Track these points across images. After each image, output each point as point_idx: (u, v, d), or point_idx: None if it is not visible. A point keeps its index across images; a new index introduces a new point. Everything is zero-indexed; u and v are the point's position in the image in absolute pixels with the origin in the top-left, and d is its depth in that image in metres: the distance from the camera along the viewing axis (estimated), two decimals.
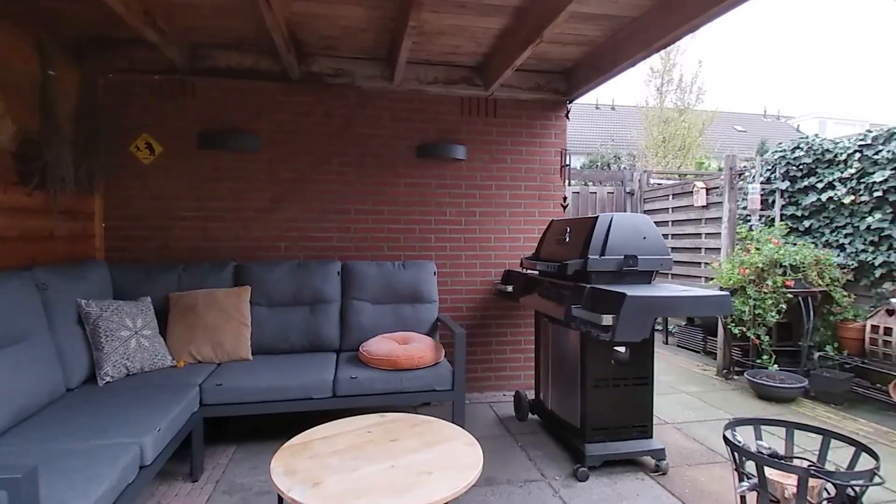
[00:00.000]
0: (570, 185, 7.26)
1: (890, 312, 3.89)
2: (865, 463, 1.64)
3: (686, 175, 8.97)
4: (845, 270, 4.38)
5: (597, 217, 2.90)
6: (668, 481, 2.78)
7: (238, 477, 2.77)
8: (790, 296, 4.35)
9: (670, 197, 6.75)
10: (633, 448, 2.87)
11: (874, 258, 4.19)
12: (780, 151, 5.16)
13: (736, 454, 1.79)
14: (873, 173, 4.17)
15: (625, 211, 7.28)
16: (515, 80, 3.94)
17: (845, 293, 4.31)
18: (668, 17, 2.81)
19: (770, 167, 5.23)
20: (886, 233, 4.09)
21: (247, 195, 3.73)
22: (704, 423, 3.66)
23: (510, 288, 3.68)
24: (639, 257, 2.82)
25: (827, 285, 4.33)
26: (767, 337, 4.46)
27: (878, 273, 4.17)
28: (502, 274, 3.99)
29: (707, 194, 6.08)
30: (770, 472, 1.72)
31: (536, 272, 3.43)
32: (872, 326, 4.02)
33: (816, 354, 4.36)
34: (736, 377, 4.77)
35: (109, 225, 3.57)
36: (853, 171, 4.35)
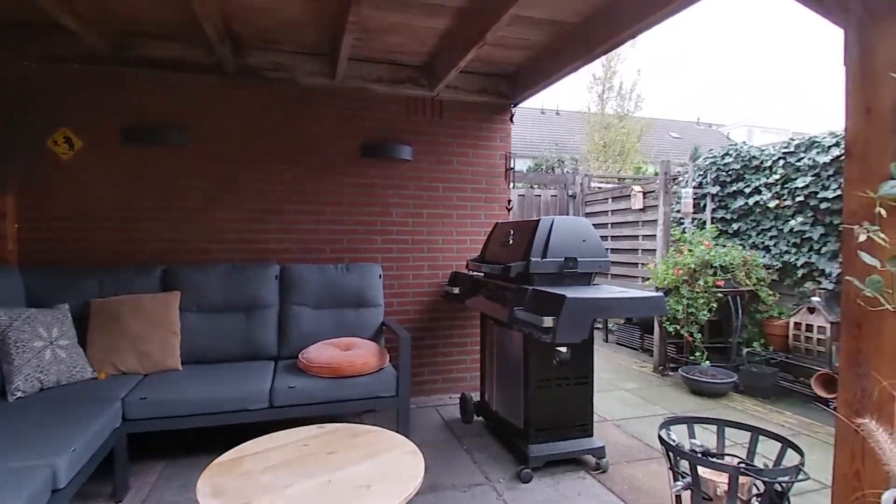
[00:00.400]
0: (514, 187, 7.37)
1: (811, 310, 4.18)
2: (791, 458, 1.73)
3: (624, 179, 9.33)
4: (770, 271, 4.67)
5: (539, 220, 2.93)
6: (608, 479, 2.84)
7: (167, 496, 2.58)
8: (720, 295, 4.59)
9: (609, 200, 6.99)
10: (575, 447, 2.92)
11: (796, 259, 4.50)
12: (711, 158, 5.44)
13: (671, 454, 1.83)
14: (796, 179, 4.47)
15: (567, 213, 7.46)
16: (461, 81, 3.93)
17: (770, 292, 4.60)
18: (609, 23, 2.87)
19: (702, 172, 5.51)
20: (807, 235, 4.39)
21: (176, 194, 3.50)
22: (643, 420, 3.79)
23: (457, 290, 3.67)
24: (578, 259, 2.87)
25: (754, 285, 4.60)
26: (700, 334, 4.69)
27: (800, 273, 4.48)
28: (449, 276, 3.96)
29: (644, 198, 6.34)
30: (703, 471, 1.77)
31: (482, 274, 3.43)
32: (795, 324, 4.31)
33: (745, 351, 4.63)
34: (671, 373, 4.98)
35: (23, 226, 3.25)
36: (777, 176, 4.65)
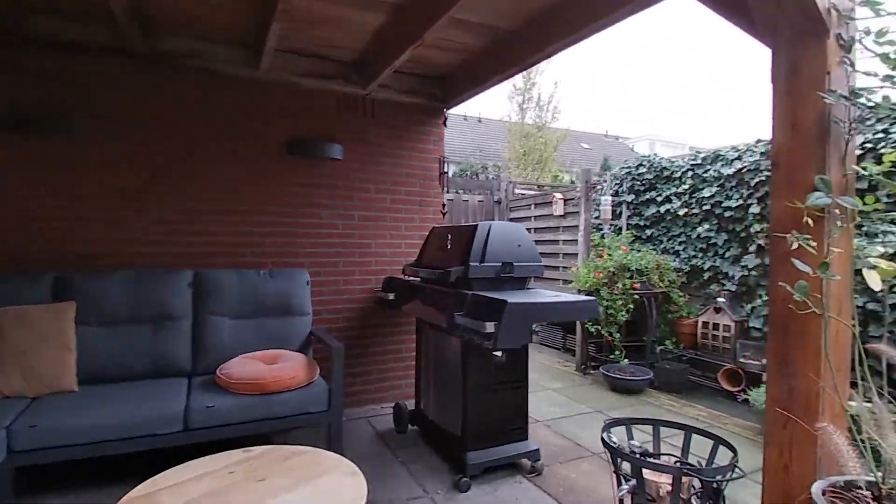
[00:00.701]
0: (447, 192, 7.37)
1: (717, 310, 4.55)
2: (723, 454, 1.82)
3: (544, 187, 9.70)
4: (680, 273, 5.04)
5: (476, 225, 2.91)
6: (544, 481, 2.86)
7: None
8: (636, 297, 4.87)
9: (532, 206, 7.20)
10: (512, 452, 2.91)
11: (703, 263, 4.88)
12: (627, 168, 5.78)
13: (615, 457, 1.86)
14: (703, 189, 4.86)
15: (493, 218, 7.59)
16: (394, 81, 3.83)
17: (681, 294, 4.95)
18: (542, 33, 2.92)
19: (618, 182, 5.83)
20: (713, 241, 4.78)
21: (73, 193, 3.05)
22: (570, 419, 3.89)
23: (392, 296, 3.54)
24: (515, 264, 2.88)
25: (666, 287, 4.93)
26: (618, 334, 4.95)
27: (706, 276, 4.86)
28: (383, 281, 3.82)
29: (564, 205, 6.61)
30: (645, 472, 1.82)
31: (418, 279, 3.34)
32: (703, 322, 4.67)
33: (658, 348, 4.94)
34: (592, 371, 5.20)
35: None
36: (686, 187, 5.03)
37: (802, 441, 1.55)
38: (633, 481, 1.70)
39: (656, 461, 1.82)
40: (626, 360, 4.83)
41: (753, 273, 4.41)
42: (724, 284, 4.71)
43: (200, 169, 3.37)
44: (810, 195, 1.46)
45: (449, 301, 2.77)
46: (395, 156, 4.03)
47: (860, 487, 1.50)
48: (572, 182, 10.53)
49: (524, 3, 2.80)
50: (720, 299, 4.56)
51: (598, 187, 5.95)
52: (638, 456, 1.83)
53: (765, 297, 4.30)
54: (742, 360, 4.28)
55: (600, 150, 22.79)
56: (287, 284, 3.34)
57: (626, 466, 1.88)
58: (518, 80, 14.76)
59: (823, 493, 1.45)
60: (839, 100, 1.48)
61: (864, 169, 1.58)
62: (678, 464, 1.88)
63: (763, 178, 4.31)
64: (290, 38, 3.24)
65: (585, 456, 3.21)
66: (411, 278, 3.47)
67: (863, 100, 1.41)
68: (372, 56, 3.46)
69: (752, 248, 4.43)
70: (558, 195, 6.48)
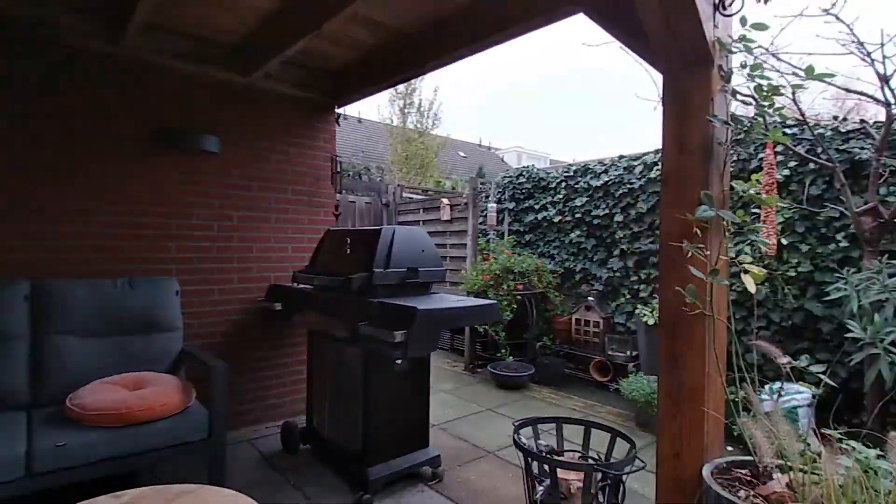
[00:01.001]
0: (352, 193, 7.09)
1: (587, 308, 4.99)
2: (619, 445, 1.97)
3: (428, 191, 9.85)
4: (556, 275, 5.43)
5: (380, 229, 2.80)
6: (446, 487, 2.85)
7: None
8: (519, 297, 5.14)
9: (421, 210, 7.25)
10: (414, 461, 2.85)
11: (575, 265, 5.32)
12: (508, 177, 6.10)
13: (528, 459, 1.90)
14: (575, 199, 5.30)
15: (382, 221, 7.49)
16: (283, 72, 3.55)
17: (557, 293, 5.34)
18: (447, 39, 2.92)
19: (500, 190, 6.13)
20: (583, 246, 5.24)
21: None
22: (464, 420, 3.96)
23: (279, 305, 3.26)
24: (419, 269, 2.83)
25: (544, 287, 5.29)
26: (504, 333, 5.18)
27: (577, 277, 5.31)
28: (268, 289, 3.51)
29: (451, 210, 6.76)
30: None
31: (311, 287, 3.12)
32: (576, 320, 5.09)
33: (537, 345, 5.27)
34: (479, 370, 5.37)
35: None
36: (561, 196, 5.44)
37: (691, 429, 1.73)
38: (549, 482, 1.76)
39: (572, 461, 1.91)
40: (511, 358, 5.07)
41: (617, 274, 4.93)
42: (592, 285, 5.19)
43: (44, 159, 2.77)
44: (699, 208, 1.64)
45: (351, 310, 2.62)
46: (281, 151, 3.73)
47: (740, 467, 1.72)
48: (454, 188, 10.84)
49: (430, 7, 2.77)
50: (590, 298, 5.01)
51: (484, 194, 6.19)
52: (547, 455, 1.89)
53: (627, 296, 4.84)
54: (610, 352, 4.75)
55: (475, 159, 23.84)
56: (152, 295, 2.89)
57: (535, 466, 1.94)
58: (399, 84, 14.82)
59: (711, 475, 1.64)
60: (722, 124, 1.68)
61: (733, 188, 1.83)
62: (583, 458, 1.99)
63: (625, 191, 4.85)
64: (163, 14, 2.81)
65: (482, 456, 3.28)
66: (303, 286, 3.23)
67: (741, 125, 1.63)
68: (260, 42, 3.15)
69: (616, 252, 4.95)
70: (445, 201, 6.60)
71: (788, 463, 1.59)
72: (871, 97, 2.67)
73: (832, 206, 3.41)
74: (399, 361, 2.67)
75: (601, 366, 4.81)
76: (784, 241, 3.57)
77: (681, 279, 1.71)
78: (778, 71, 1.93)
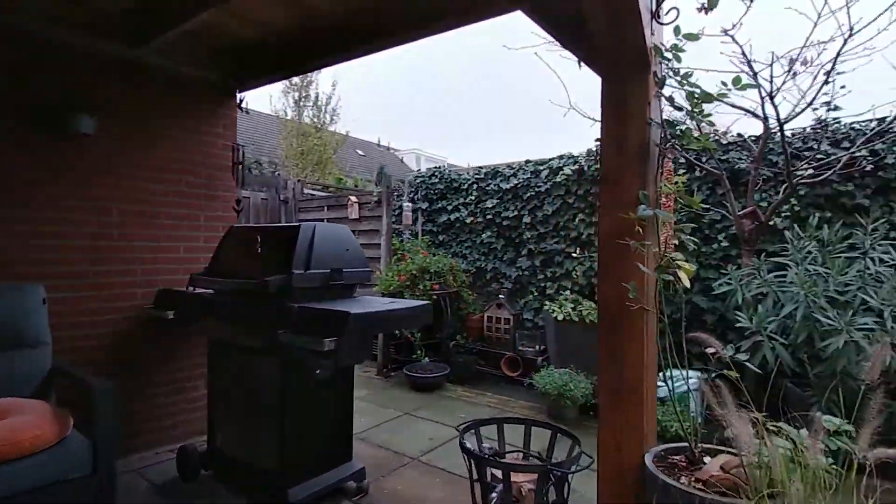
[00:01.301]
0: (243, 187, 6.45)
1: (498, 305, 5.09)
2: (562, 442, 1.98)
3: (330, 188, 9.45)
4: (468, 274, 5.48)
5: (298, 226, 2.56)
6: (373, 501, 2.70)
7: None
8: (435, 297, 5.10)
9: (325, 208, 6.92)
10: (338, 477, 2.66)
11: (486, 265, 5.42)
12: (421, 177, 6.05)
13: (479, 465, 1.84)
14: (486, 201, 5.39)
15: (280, 219, 7.01)
16: (180, 47, 3.10)
17: (470, 292, 5.39)
18: (375, 27, 2.75)
19: (413, 189, 6.05)
20: (494, 246, 5.36)
21: None
22: (382, 427, 3.81)
23: (171, 314, 2.85)
24: (344, 270, 2.65)
25: (458, 286, 5.30)
26: (419, 333, 5.10)
27: (488, 276, 5.42)
28: (156, 295, 3.05)
29: (360, 209, 6.55)
30: (495, 472, 1.84)
31: (213, 291, 2.77)
32: (487, 317, 5.17)
33: (451, 344, 5.27)
34: (394, 374, 5.24)
35: None
36: (473, 198, 5.51)
37: (633, 421, 1.79)
38: (501, 487, 1.71)
39: (523, 462, 1.88)
40: (426, 359, 5.00)
41: (526, 273, 5.10)
42: (502, 283, 5.33)
43: None
44: (640, 207, 1.70)
45: (267, 316, 2.36)
46: (172, 136, 3.28)
47: (674, 454, 1.81)
48: (356, 186, 10.52)
49: None
50: (500, 296, 5.13)
51: (397, 193, 6.06)
52: (489, 457, 1.85)
53: (535, 294, 5.03)
54: (520, 348, 4.90)
55: (375, 159, 23.51)
56: (11, 305, 2.36)
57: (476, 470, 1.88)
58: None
59: (652, 462, 1.70)
60: (658, 127, 1.76)
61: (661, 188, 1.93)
62: (525, 458, 1.97)
63: (532, 194, 5.04)
64: None
65: (406, 463, 3.17)
66: (203, 291, 2.86)
67: (677, 129, 1.71)
68: (151, 9, 2.72)
69: (525, 252, 5.12)
70: (354, 199, 6.36)
71: (720, 447, 1.71)
72: (752, 113, 3.02)
73: (715, 209, 3.83)
74: (318, 372, 2.47)
75: (512, 361, 4.94)
76: (676, 242, 3.94)
77: (621, 276, 1.76)
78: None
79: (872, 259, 2.93)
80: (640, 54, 1.72)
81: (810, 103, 2.90)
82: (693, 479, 1.62)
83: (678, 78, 1.75)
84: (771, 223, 3.40)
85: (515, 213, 5.17)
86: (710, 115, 1.72)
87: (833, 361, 2.70)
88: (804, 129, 3.66)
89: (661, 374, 4.19)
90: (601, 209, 1.88)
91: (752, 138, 3.66)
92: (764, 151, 3.20)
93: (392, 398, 4.53)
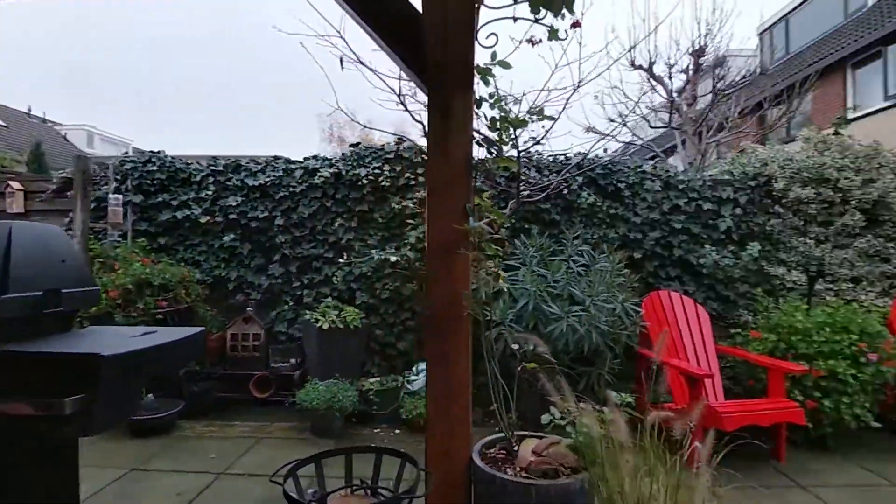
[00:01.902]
0: None
1: (246, 320, 4.50)
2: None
3: None
4: (204, 286, 4.65)
5: None
6: None
7: None
8: (160, 317, 4.14)
9: None
10: None
11: (228, 273, 4.71)
12: (132, 163, 4.81)
13: None
14: (227, 198, 4.68)
15: None
16: None
17: (208, 308, 4.58)
18: None
19: (119, 178, 4.76)
20: (238, 250, 4.70)
21: None
22: (104, 495, 2.88)
23: None
24: (63, 291, 1.85)
25: (192, 301, 4.44)
26: None
27: (231, 286, 4.72)
28: None
29: (26, 199, 4.83)
30: None
31: None
32: (232, 335, 4.50)
33: (182, 371, 4.38)
34: None
35: None
36: (210, 193, 4.71)
37: (460, 423, 1.84)
38: None
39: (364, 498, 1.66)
40: (150, 395, 4.00)
41: (279, 281, 4.68)
42: (249, 294, 4.75)
43: None
44: (471, 220, 1.76)
45: None
46: None
47: (490, 447, 1.94)
48: (4, 167, 7.61)
49: None
50: (249, 309, 4.56)
51: (95, 181, 4.64)
52: (325, 498, 1.60)
53: (290, 303, 4.66)
54: (273, 364, 4.47)
55: (24, 132, 17.78)
56: None
57: None
58: None
59: (480, 460, 1.79)
60: (478, 143, 1.86)
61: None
62: (369, 494, 1.77)
63: (286, 194, 4.67)
64: None
65: None
66: None
67: (493, 148, 1.84)
68: None
69: (277, 257, 4.70)
70: (16, 185, 4.60)
71: (526, 433, 1.93)
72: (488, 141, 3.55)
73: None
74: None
75: (262, 381, 4.43)
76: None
77: (451, 283, 1.79)
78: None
79: (574, 261, 3.85)
80: (468, 72, 1.79)
81: (538, 141, 3.61)
82: (518, 470, 1.77)
83: (491, 101, 1.89)
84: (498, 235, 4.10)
85: (266, 213, 4.67)
86: (516, 137, 1.91)
87: (556, 342, 3.42)
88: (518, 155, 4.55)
89: (414, 367, 4.47)
90: (429, 218, 1.86)
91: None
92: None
93: (107, 453, 3.43)
